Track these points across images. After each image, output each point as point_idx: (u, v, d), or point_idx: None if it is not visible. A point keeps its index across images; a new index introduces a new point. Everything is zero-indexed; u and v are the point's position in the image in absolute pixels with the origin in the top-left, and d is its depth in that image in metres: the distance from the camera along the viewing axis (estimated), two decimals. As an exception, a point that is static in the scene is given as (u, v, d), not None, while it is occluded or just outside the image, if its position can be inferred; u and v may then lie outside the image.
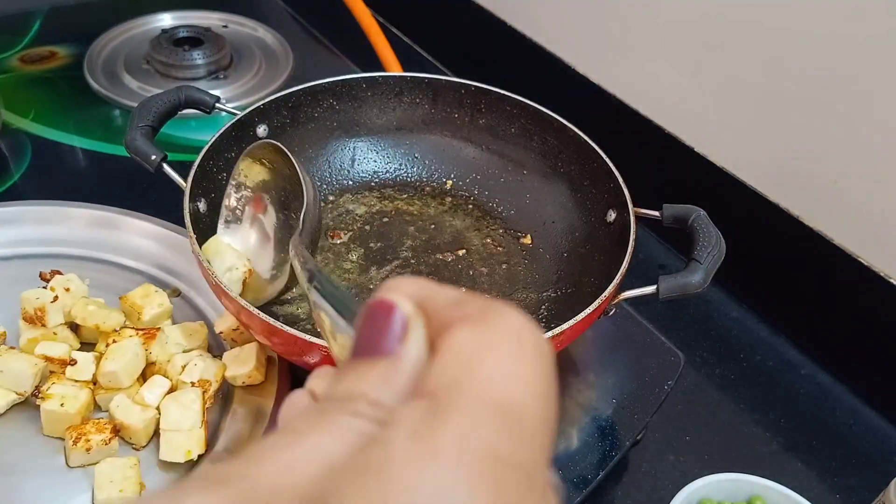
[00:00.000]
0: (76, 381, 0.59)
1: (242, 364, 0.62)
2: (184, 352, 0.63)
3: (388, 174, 0.78)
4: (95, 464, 0.56)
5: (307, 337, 0.51)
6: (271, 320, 0.52)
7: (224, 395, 0.63)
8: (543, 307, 0.67)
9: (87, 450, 0.56)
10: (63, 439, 0.57)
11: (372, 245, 0.72)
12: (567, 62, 0.96)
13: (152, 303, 0.65)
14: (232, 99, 0.99)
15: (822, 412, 0.75)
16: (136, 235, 0.72)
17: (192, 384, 0.60)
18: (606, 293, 0.56)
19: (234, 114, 0.68)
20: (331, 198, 0.75)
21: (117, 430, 0.58)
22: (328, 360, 0.52)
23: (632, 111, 0.89)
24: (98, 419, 0.58)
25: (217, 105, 0.68)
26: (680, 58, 0.85)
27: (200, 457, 0.58)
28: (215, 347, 0.66)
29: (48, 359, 0.60)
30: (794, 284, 0.80)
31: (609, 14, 0.91)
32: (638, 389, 0.67)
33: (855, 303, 0.75)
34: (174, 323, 0.67)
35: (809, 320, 0.79)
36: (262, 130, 0.70)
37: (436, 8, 1.14)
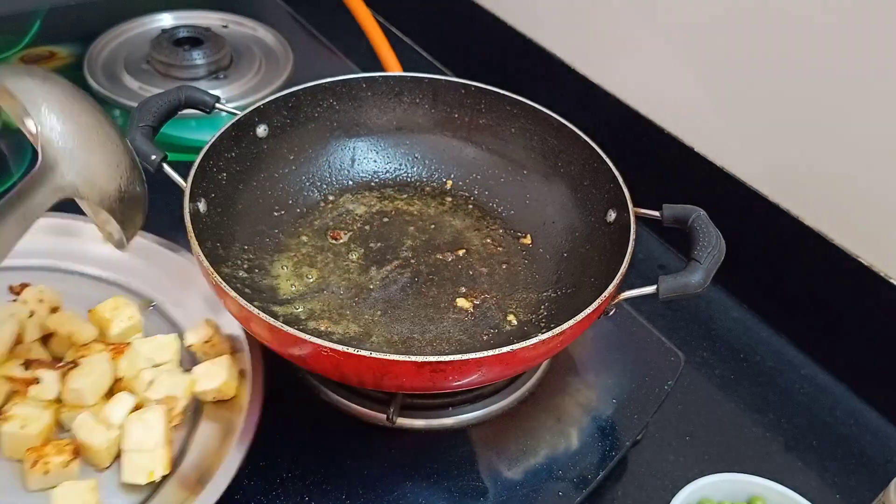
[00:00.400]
0: (40, 400, 0.57)
1: (213, 378, 0.59)
2: (153, 366, 0.61)
3: (388, 174, 0.78)
4: (55, 487, 0.53)
5: (307, 337, 0.51)
6: (271, 320, 0.52)
7: (194, 411, 0.60)
8: (543, 307, 0.67)
9: (46, 472, 0.53)
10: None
11: (372, 245, 0.72)
12: (567, 62, 0.96)
13: (122, 315, 0.63)
14: (232, 99, 0.99)
15: (822, 412, 0.75)
16: (102, 244, 0.68)
17: (158, 401, 0.58)
18: (606, 293, 0.56)
19: (234, 114, 0.68)
20: (331, 198, 0.75)
21: (78, 452, 0.55)
22: (330, 359, 0.52)
23: (632, 111, 0.89)
24: (60, 440, 0.56)
25: (217, 105, 0.68)
26: (680, 58, 0.85)
27: (165, 477, 0.55)
28: (188, 360, 0.64)
29: (11, 379, 0.58)
30: (794, 284, 0.80)
31: (609, 14, 0.91)
32: (638, 389, 0.67)
33: (855, 303, 0.75)
34: (146, 335, 0.64)
35: (809, 320, 0.79)
36: (262, 130, 0.70)
37: (436, 8, 1.14)
